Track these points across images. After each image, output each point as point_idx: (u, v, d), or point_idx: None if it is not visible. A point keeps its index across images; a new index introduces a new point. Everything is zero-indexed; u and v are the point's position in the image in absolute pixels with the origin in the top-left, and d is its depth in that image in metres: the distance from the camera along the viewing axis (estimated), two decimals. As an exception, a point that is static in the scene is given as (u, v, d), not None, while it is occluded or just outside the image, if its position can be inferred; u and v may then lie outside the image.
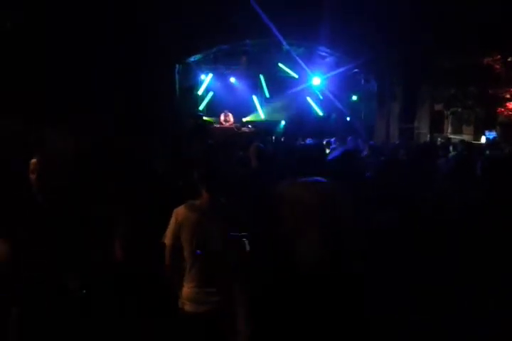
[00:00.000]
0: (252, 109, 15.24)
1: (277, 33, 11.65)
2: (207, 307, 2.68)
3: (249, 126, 14.04)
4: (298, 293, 1.40)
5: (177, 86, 12.27)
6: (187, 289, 2.76)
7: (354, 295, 1.44)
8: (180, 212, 2.75)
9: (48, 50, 8.79)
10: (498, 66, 11.66)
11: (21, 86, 8.35)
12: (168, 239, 2.75)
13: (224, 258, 2.59)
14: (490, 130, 12.10)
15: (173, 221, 2.75)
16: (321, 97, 15.05)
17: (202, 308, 2.70)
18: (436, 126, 13.46)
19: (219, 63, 14.20)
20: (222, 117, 13.85)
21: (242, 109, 14.70)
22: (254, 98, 15.34)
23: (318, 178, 1.47)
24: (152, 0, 10.43)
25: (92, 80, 9.30)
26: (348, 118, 14.31)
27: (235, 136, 12.13)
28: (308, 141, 10.71)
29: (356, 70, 13.36)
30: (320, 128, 13.78)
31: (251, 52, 14.05)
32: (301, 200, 1.39)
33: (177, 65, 12.25)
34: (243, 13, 11.04)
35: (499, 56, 11.52)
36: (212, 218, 2.70)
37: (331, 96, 14.49)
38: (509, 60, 11.43)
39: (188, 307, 2.74)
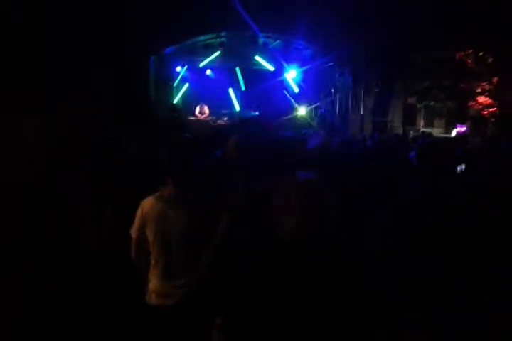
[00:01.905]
0: (227, 102, 15.21)
1: (253, 26, 11.63)
2: (174, 300, 2.64)
3: (225, 118, 14.01)
4: (278, 262, 1.59)
5: (152, 78, 12.15)
6: (153, 282, 2.72)
7: (328, 268, 1.60)
8: (145, 204, 2.71)
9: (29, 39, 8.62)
10: (470, 61, 11.89)
11: None
12: (133, 231, 2.73)
13: (190, 250, 2.59)
14: (461, 123, 12.35)
15: (138, 213, 2.71)
16: (297, 90, 15.10)
17: (168, 301, 2.66)
18: (409, 119, 13.68)
19: (195, 55, 14.12)
20: (197, 109, 13.78)
21: (218, 101, 14.65)
22: (230, 90, 15.31)
23: (305, 172, 1.71)
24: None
25: (66, 71, 9.15)
26: (322, 111, 14.40)
27: (210, 129, 12.12)
28: (285, 133, 10.76)
29: (331, 64, 13.43)
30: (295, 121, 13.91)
31: (227, 44, 14.01)
32: (288, 188, 1.64)
33: (152, 57, 12.12)
34: (219, 5, 10.99)
35: (471, 51, 11.74)
36: (177, 209, 2.65)
37: (305, 89, 14.57)
38: (480, 54, 11.65)
39: (154, 300, 2.71)
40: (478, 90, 11.89)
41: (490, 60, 11.57)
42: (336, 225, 1.63)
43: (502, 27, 10.54)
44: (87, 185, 3.75)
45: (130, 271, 2.90)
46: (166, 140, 5.98)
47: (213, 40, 13.80)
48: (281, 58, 14.04)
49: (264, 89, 14.79)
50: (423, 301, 2.63)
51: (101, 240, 3.35)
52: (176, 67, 14.25)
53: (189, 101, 14.57)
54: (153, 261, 2.71)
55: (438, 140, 7.18)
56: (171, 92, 14.39)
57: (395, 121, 13.35)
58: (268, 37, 13.45)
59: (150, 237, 2.68)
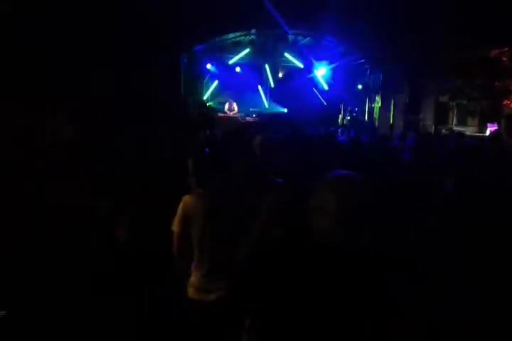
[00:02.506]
0: (256, 99, 15.21)
1: (283, 23, 11.59)
2: (216, 295, 2.64)
3: (254, 115, 14.03)
4: (309, 264, 1.58)
5: (183, 75, 12.26)
6: (195, 277, 2.74)
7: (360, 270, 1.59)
8: (188, 200, 2.73)
9: (52, 37, 8.79)
10: (505, 58, 11.61)
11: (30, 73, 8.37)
12: (176, 226, 2.74)
13: (232, 247, 2.61)
14: (493, 122, 12.05)
15: (180, 209, 2.73)
16: (327, 88, 15.00)
17: (210, 297, 2.67)
18: (442, 118, 13.43)
19: (225, 52, 14.19)
20: (226, 106, 13.84)
21: (247, 98, 14.68)
22: (259, 87, 15.31)
23: (345, 172, 1.66)
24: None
25: (100, 68, 9.32)
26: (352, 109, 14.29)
27: (238, 125, 12.16)
28: (313, 130, 10.75)
29: (362, 61, 13.29)
30: (324, 118, 13.82)
31: (256, 41, 14.02)
32: (326, 187, 1.61)
33: (183, 54, 12.22)
34: (249, 2, 10.99)
35: (506, 48, 11.46)
36: (221, 206, 2.68)
37: (335, 86, 14.47)
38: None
39: (196, 295, 2.72)
40: (512, 88, 11.62)
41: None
42: (372, 228, 1.61)
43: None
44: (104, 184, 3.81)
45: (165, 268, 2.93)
46: (196, 140, 6.04)
47: (243, 38, 13.81)
48: (310, 55, 13.97)
49: (293, 87, 14.76)
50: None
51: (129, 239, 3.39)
52: (206, 64, 14.32)
53: (219, 98, 14.64)
54: (195, 257, 2.73)
55: (470, 143, 7.02)
56: (201, 89, 14.48)
57: (427, 120, 13.12)
58: (298, 34, 13.38)
59: (193, 232, 2.70)
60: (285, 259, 1.61)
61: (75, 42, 8.99)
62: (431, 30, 11.27)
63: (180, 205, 2.75)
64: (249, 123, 13.05)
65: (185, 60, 12.41)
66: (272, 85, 15.30)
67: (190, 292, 2.76)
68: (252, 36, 13.86)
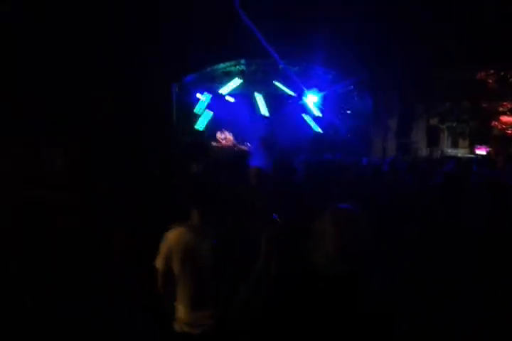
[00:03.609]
0: (249, 128, 15.29)
1: (272, 53, 11.82)
2: (202, 329, 2.64)
3: (248, 143, 14.09)
4: (311, 291, 1.61)
5: (174, 104, 12.39)
6: (181, 311, 2.72)
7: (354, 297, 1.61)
8: (170, 235, 2.73)
9: (47, 60, 8.89)
10: (491, 81, 11.83)
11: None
12: (159, 263, 2.74)
13: (217, 279, 2.59)
14: (480, 144, 12.22)
15: (163, 245, 2.73)
16: (320, 114, 15.16)
17: (197, 330, 2.66)
18: (433, 140, 13.57)
19: (215, 82, 14.37)
20: (218, 134, 13.91)
21: (240, 127, 14.77)
22: (252, 117, 15.42)
23: (345, 205, 1.74)
24: (148, 20, 10.58)
25: (90, 95, 9.39)
26: (347, 135, 14.39)
27: (232, 154, 12.19)
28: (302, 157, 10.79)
29: (351, 87, 13.50)
30: (318, 144, 13.90)
31: (247, 71, 14.24)
32: (326, 222, 1.67)
33: (174, 84, 12.39)
34: (238, 33, 11.21)
35: (492, 71, 11.69)
36: (204, 239, 2.67)
37: (326, 113, 14.62)
38: (502, 74, 11.60)
39: (182, 328, 2.71)
40: (501, 109, 11.78)
41: (511, 79, 11.49)
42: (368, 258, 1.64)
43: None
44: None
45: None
46: (191, 167, 6.05)
47: (233, 68, 14.04)
48: (301, 83, 14.16)
49: (285, 114, 14.90)
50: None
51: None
52: (196, 94, 14.48)
53: (211, 128, 14.72)
54: (180, 291, 2.71)
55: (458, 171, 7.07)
56: (192, 119, 14.59)
57: (419, 142, 13.25)
58: (287, 63, 13.62)
59: (176, 267, 2.69)
60: (288, 294, 1.63)
61: (69, 65, 9.10)
62: (418, 55, 11.49)
63: (163, 241, 2.74)
64: (244, 151, 13.08)
65: (176, 90, 12.55)
66: (265, 114, 15.40)
67: (177, 326, 2.74)
68: (242, 66, 14.08)
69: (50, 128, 7.61)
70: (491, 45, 10.69)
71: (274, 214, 3.13)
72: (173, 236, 2.71)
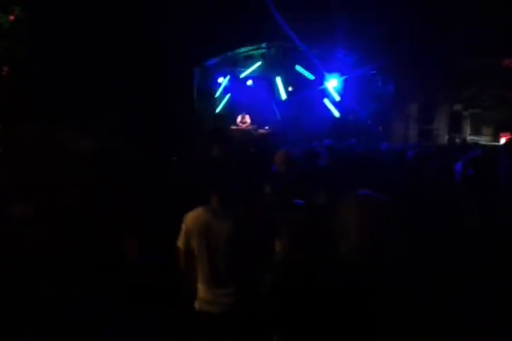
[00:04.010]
0: (268, 111, 15.24)
1: (294, 36, 11.68)
2: (221, 308, 2.74)
3: (267, 127, 14.06)
4: (330, 284, 1.57)
5: (196, 89, 12.40)
6: (201, 290, 2.83)
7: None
8: (189, 217, 2.86)
9: (67, 50, 8.97)
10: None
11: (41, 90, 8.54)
12: (180, 243, 2.86)
13: (234, 260, 2.68)
14: (505, 132, 11.98)
15: (183, 226, 2.85)
16: (339, 99, 14.99)
17: (215, 309, 2.75)
18: (456, 127, 13.36)
19: (237, 66, 14.33)
20: (239, 118, 13.91)
21: (259, 110, 14.73)
22: (271, 100, 15.35)
23: (369, 192, 1.66)
24: (171, 5, 10.54)
25: (112, 83, 9.45)
26: (367, 121, 14.23)
27: (250, 138, 12.20)
28: (327, 142, 10.72)
29: (374, 72, 13.31)
30: (337, 129, 13.80)
31: (268, 54, 14.14)
32: (348, 207, 1.61)
33: (196, 69, 12.39)
34: (260, 17, 11.09)
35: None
36: (221, 221, 2.76)
37: (346, 97, 14.46)
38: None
39: (202, 307, 2.81)
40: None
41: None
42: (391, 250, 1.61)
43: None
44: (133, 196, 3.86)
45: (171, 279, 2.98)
46: (212, 152, 6.07)
47: (254, 51, 13.96)
48: (322, 67, 13.99)
49: (304, 99, 14.78)
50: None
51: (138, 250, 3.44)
52: (218, 78, 14.45)
53: (231, 111, 14.71)
54: (199, 270, 2.82)
55: (486, 155, 6.92)
56: (213, 103, 14.60)
57: (441, 129, 13.06)
58: (308, 47, 13.45)
59: (195, 248, 2.80)
60: (307, 282, 1.62)
61: (93, 51, 9.16)
62: (444, 40, 11.26)
63: (183, 222, 2.87)
64: (263, 135, 13.08)
65: (197, 74, 12.55)
66: (284, 97, 15.31)
67: (197, 304, 2.85)
68: (264, 50, 13.99)
69: (77, 117, 7.71)
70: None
71: (297, 200, 3.16)
72: (191, 217, 2.83)
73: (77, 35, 9.01)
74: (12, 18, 8.76)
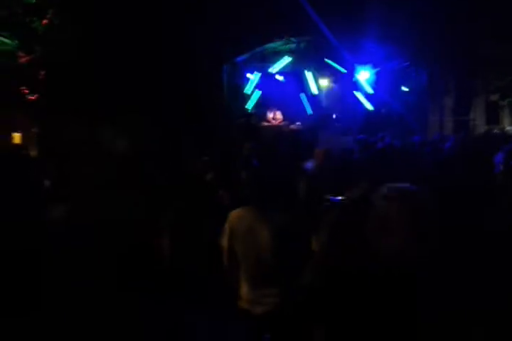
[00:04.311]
0: (299, 106, 15.14)
1: (324, 30, 11.56)
2: (263, 308, 2.73)
3: (298, 123, 13.97)
4: (373, 284, 1.54)
5: (225, 85, 12.43)
6: (243, 289, 2.83)
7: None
8: (233, 216, 2.87)
9: (101, 53, 9.13)
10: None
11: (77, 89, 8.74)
12: (224, 241, 2.87)
13: (277, 261, 2.66)
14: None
15: (227, 225, 2.86)
16: (372, 91, 14.77)
17: (258, 309, 2.74)
18: (493, 118, 12.99)
19: (266, 61, 14.28)
20: (270, 115, 13.83)
21: (290, 106, 14.65)
22: (302, 95, 15.22)
23: (406, 185, 1.62)
24: (200, 2, 10.58)
25: (144, 83, 9.57)
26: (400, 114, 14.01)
27: (282, 134, 12.18)
28: (360, 136, 10.63)
29: (406, 64, 13.06)
30: (370, 123, 13.62)
31: (297, 49, 14.04)
32: (389, 208, 1.55)
33: (225, 65, 12.42)
34: (289, 10, 11.02)
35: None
36: (264, 223, 2.75)
37: (379, 90, 14.24)
38: None
39: (245, 305, 2.82)
40: None
41: None
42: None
43: None
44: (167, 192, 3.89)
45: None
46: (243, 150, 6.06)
47: (283, 47, 13.88)
48: (353, 60, 13.81)
49: (337, 92, 14.64)
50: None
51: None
52: (247, 73, 14.44)
53: (262, 108, 14.67)
54: (242, 270, 2.82)
55: None
56: (244, 99, 14.60)
57: (478, 120, 12.73)
58: (339, 39, 13.29)
59: (239, 247, 2.81)
60: (350, 283, 1.59)
61: (125, 53, 9.30)
62: (474, 28, 10.95)
63: (227, 221, 2.88)
64: (295, 131, 13.02)
65: (227, 71, 12.58)
66: (315, 92, 15.16)
67: (241, 302, 2.85)
68: (293, 44, 13.89)
69: (113, 119, 7.86)
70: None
71: (335, 198, 3.12)
72: (235, 216, 2.85)
73: (110, 37, 9.16)
74: (45, 21, 8.97)
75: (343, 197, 2.99)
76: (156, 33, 9.76)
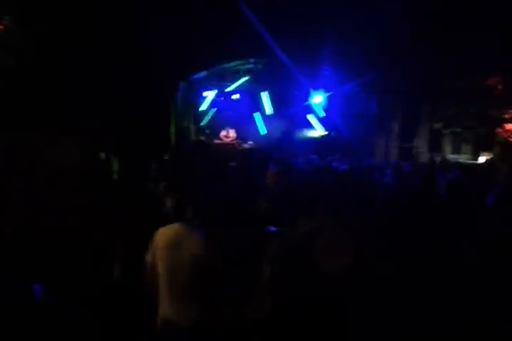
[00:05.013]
0: (253, 126, 15.31)
1: (281, 53, 11.82)
2: (183, 323, 2.70)
3: (250, 142, 14.14)
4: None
5: (180, 103, 12.42)
6: (162, 307, 2.81)
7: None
8: (159, 232, 2.87)
9: (53, 61, 9.00)
10: (500, 87, 11.78)
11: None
12: (148, 256, 2.88)
13: (195, 281, 2.67)
14: (484, 151, 12.21)
15: (152, 240, 2.86)
16: (323, 115, 15.17)
17: (174, 326, 2.72)
18: (436, 145, 13.58)
19: (223, 80, 14.43)
20: (223, 133, 13.96)
21: (244, 125, 14.80)
22: (256, 115, 15.42)
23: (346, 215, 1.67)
24: (157, 18, 10.62)
25: (95, 97, 9.46)
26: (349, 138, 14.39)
27: (234, 152, 12.29)
28: (313, 158, 10.87)
29: (357, 89, 13.52)
30: (319, 145, 13.95)
31: (255, 70, 14.28)
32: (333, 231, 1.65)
33: (181, 83, 12.44)
34: (248, 33, 11.22)
35: (500, 77, 11.65)
36: (186, 242, 2.72)
37: (330, 114, 14.63)
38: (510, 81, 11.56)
39: (162, 323, 2.79)
40: (507, 117, 11.76)
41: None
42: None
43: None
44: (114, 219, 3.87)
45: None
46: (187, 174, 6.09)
47: (242, 66, 14.09)
48: (308, 83, 14.16)
49: (289, 114, 14.91)
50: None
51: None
52: (204, 91, 14.53)
53: (216, 125, 14.76)
54: (162, 287, 2.79)
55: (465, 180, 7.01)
56: (198, 116, 14.64)
57: (421, 147, 13.27)
58: (295, 63, 13.62)
59: (160, 264, 2.80)
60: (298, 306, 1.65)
61: (77, 67, 9.18)
62: (426, 60, 11.47)
63: (154, 236, 2.87)
64: (247, 150, 13.16)
65: (183, 88, 12.59)
66: (269, 112, 15.38)
67: (158, 321, 2.83)
68: (251, 65, 14.13)
69: (61, 127, 7.71)
70: (500, 52, 10.67)
71: (271, 228, 3.13)
72: (161, 233, 2.83)
73: (64, 47, 9.05)
74: (1, 27, 8.77)
75: (280, 229, 2.91)
76: (112, 46, 9.72)
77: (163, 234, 2.82)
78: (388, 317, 1.78)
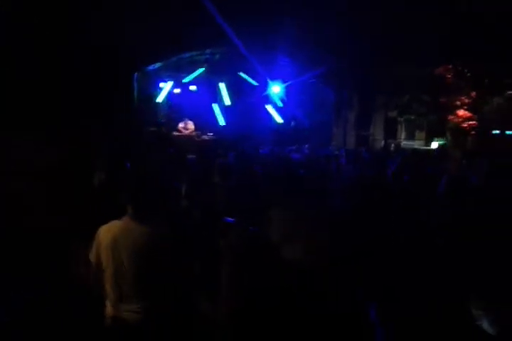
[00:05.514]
0: (212, 117, 15.26)
1: (238, 43, 11.78)
2: (126, 324, 2.67)
3: (210, 133, 14.06)
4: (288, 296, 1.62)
5: (136, 94, 12.20)
6: (108, 306, 2.78)
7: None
8: (101, 230, 2.78)
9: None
10: (449, 76, 12.15)
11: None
12: (92, 256, 2.80)
13: (142, 277, 2.65)
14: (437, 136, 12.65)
15: (95, 239, 2.78)
16: (281, 105, 15.27)
17: (121, 325, 2.69)
18: (391, 133, 13.93)
19: (180, 71, 14.27)
20: (181, 125, 13.80)
21: (203, 116, 14.71)
22: (215, 106, 15.38)
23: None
24: (112, 8, 10.37)
25: (49, 89, 9.21)
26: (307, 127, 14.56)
27: (193, 144, 12.21)
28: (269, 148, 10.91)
29: (314, 79, 13.66)
30: (279, 135, 14.04)
31: (211, 60, 14.19)
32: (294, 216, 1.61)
33: (136, 74, 12.20)
34: (204, 22, 11.11)
35: (451, 66, 12.01)
36: (129, 237, 2.67)
37: (288, 104, 14.75)
38: (460, 69, 11.92)
39: (109, 323, 2.75)
40: (458, 103, 12.15)
41: (468, 74, 11.83)
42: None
43: (480, 44, 10.82)
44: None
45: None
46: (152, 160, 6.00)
47: (198, 57, 13.95)
48: (265, 74, 14.20)
49: (247, 105, 14.92)
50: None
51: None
52: (160, 83, 14.34)
53: (173, 117, 14.60)
54: (107, 286, 2.74)
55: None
56: (155, 108, 14.45)
57: (377, 134, 13.59)
58: (252, 53, 13.61)
59: (103, 262, 2.74)
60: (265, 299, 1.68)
61: (29, 62, 8.90)
62: (379, 48, 11.68)
63: (96, 235, 2.79)
64: (206, 141, 13.09)
65: (138, 79, 12.36)
66: (228, 103, 15.36)
67: (105, 320, 2.79)
68: (207, 55, 14.02)
69: (21, 125, 7.47)
70: (450, 41, 10.98)
71: (228, 218, 3.10)
72: (103, 230, 2.76)
73: (15, 42, 8.76)
74: None
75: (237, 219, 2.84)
76: (65, 39, 9.46)
77: (106, 232, 2.74)
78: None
